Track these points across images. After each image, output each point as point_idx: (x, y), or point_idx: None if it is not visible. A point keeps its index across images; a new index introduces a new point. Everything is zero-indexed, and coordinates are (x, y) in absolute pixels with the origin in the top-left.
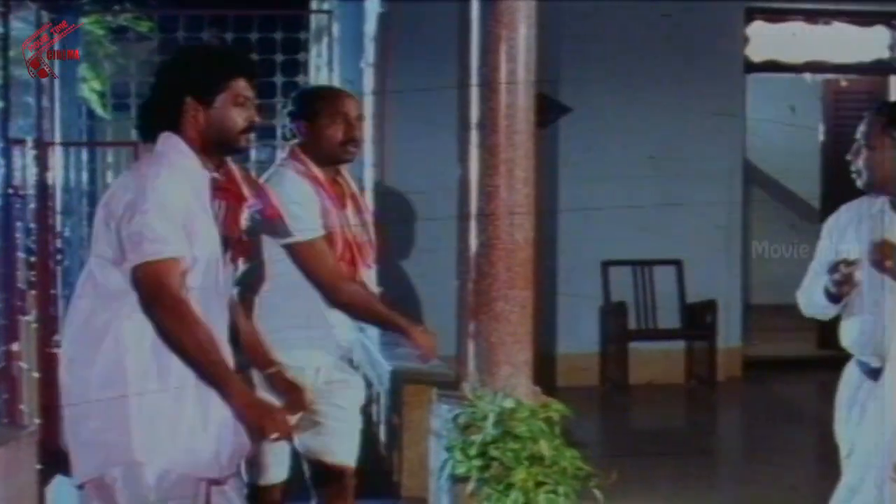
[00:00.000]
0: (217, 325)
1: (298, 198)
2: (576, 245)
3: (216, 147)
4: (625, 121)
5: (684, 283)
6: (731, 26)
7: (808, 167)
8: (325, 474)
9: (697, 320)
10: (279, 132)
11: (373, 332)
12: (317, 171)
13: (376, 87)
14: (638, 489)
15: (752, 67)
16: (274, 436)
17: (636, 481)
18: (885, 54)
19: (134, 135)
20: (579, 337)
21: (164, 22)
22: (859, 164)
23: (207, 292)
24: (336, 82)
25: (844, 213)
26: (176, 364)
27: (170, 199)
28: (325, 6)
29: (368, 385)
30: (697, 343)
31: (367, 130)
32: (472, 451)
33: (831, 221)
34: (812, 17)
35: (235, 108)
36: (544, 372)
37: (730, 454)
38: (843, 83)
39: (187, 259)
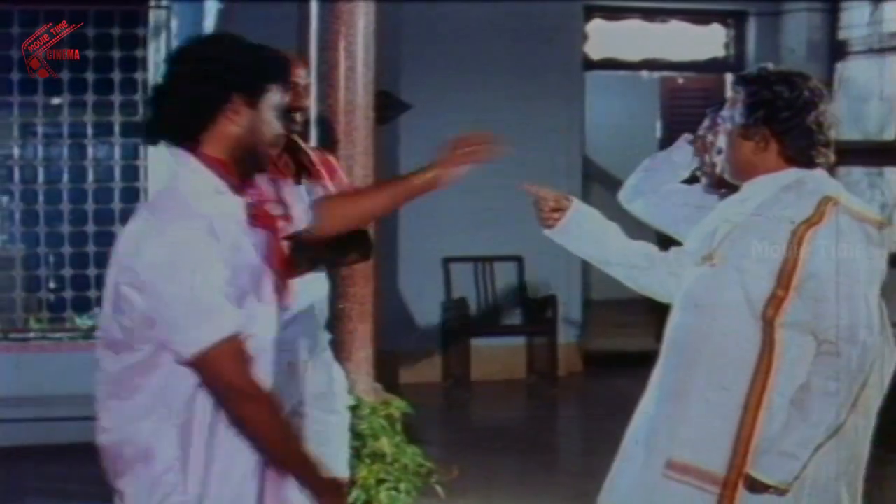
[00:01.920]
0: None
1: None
2: (417, 241)
3: (244, 160)
4: (465, 118)
5: (525, 279)
6: (570, 24)
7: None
8: None
9: (538, 316)
10: (116, 129)
11: None
12: None
13: None
14: (480, 485)
15: (591, 65)
16: None
17: (478, 477)
18: (720, 53)
19: None
20: (421, 333)
21: None
22: (719, 157)
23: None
24: None
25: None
26: None
27: (215, 252)
28: (164, 2)
29: None
30: (538, 338)
31: None
32: None
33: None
34: (649, 15)
35: (275, 114)
36: (386, 369)
37: (570, 448)
38: (680, 81)
39: (245, 328)
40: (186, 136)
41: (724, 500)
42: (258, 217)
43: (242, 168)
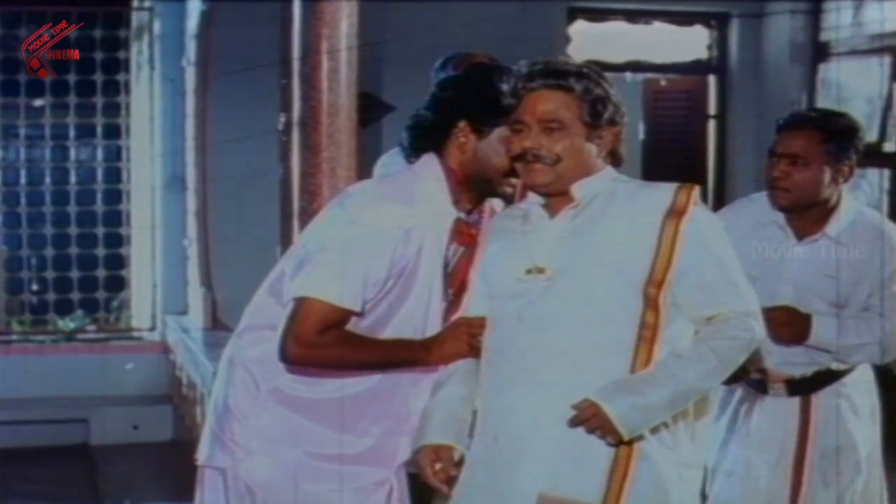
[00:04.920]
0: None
1: None
2: None
3: (476, 184)
4: None
5: None
6: (553, 26)
7: (627, 165)
8: None
9: None
10: (99, 131)
11: (196, 333)
12: None
13: (198, 86)
14: None
15: None
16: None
17: None
18: (703, 54)
19: None
20: None
21: None
22: (786, 181)
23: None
24: (157, 81)
25: (742, 215)
26: None
27: (382, 237)
28: (147, 3)
29: (192, 386)
30: None
31: (188, 129)
32: None
33: (730, 221)
34: (633, 16)
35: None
36: None
37: None
38: (663, 83)
39: (356, 310)
40: (430, 147)
41: None
42: (460, 233)
43: (475, 190)
